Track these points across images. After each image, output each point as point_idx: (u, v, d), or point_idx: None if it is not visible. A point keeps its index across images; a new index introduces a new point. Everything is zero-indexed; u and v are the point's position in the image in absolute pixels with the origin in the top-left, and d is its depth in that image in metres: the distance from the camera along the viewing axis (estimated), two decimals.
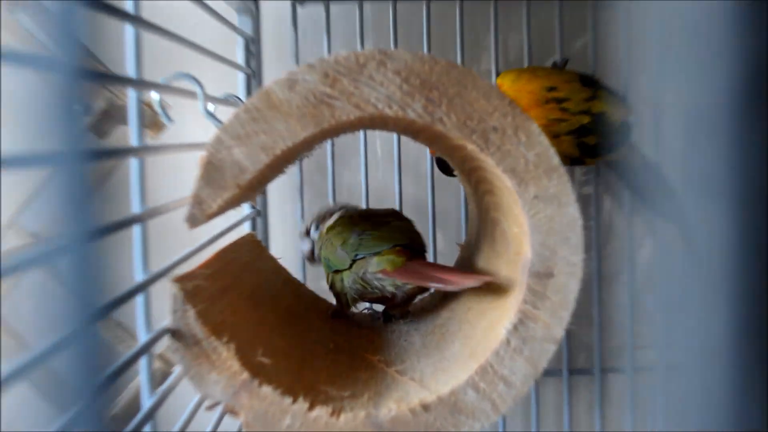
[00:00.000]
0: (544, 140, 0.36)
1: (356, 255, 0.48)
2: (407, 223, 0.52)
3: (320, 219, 0.54)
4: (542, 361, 0.37)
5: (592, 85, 0.56)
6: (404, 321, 0.53)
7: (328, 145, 0.67)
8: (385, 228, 0.49)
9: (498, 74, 0.67)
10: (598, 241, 0.67)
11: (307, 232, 0.54)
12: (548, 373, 0.69)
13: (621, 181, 0.64)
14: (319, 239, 0.53)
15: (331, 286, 0.51)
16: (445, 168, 0.59)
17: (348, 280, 0.49)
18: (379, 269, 0.47)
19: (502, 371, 0.37)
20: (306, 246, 0.55)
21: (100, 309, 0.28)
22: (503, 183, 0.38)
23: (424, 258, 0.50)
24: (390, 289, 0.47)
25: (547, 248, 0.37)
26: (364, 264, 0.48)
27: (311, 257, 0.54)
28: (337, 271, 0.50)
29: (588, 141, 0.54)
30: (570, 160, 0.56)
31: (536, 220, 0.37)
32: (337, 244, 0.49)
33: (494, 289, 0.43)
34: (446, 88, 0.36)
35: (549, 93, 0.54)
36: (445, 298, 0.54)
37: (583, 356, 0.74)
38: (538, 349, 0.37)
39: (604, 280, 0.68)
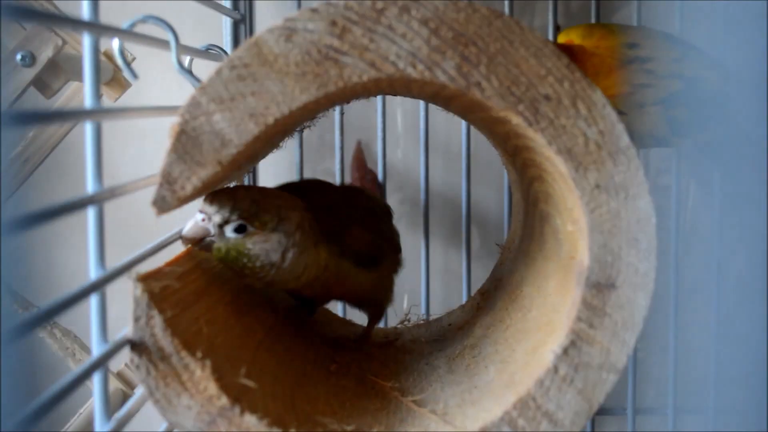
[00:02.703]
0: (610, 113, 0.36)
1: None
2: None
3: (258, 217, 0.43)
4: (598, 395, 0.37)
5: (678, 43, 0.55)
6: (426, 340, 0.53)
7: (335, 113, 0.67)
8: None
9: (557, 29, 0.66)
10: (677, 245, 0.66)
11: (222, 225, 0.42)
12: (606, 411, 0.70)
13: (712, 168, 0.64)
14: (239, 244, 0.42)
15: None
16: None
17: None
18: None
19: (546, 406, 0.37)
20: (194, 229, 0.42)
21: (40, 314, 0.28)
22: (556, 167, 0.38)
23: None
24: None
25: (609, 252, 0.37)
26: None
27: (198, 242, 0.43)
28: None
29: (679, 114, 0.53)
30: (655, 141, 0.56)
31: (597, 215, 0.37)
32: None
33: (540, 302, 0.43)
34: (486, 44, 0.36)
35: (631, 50, 0.54)
36: (479, 311, 0.54)
37: (652, 392, 0.73)
38: (593, 380, 0.37)
39: (684, 295, 0.68)
